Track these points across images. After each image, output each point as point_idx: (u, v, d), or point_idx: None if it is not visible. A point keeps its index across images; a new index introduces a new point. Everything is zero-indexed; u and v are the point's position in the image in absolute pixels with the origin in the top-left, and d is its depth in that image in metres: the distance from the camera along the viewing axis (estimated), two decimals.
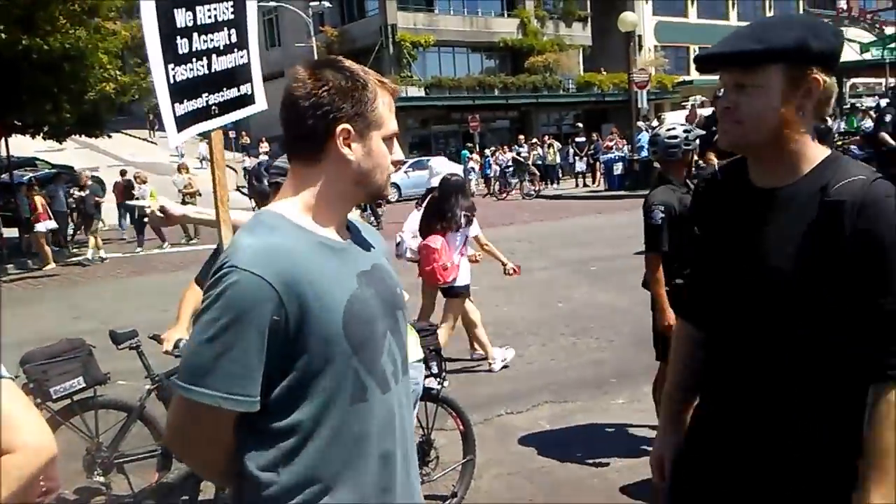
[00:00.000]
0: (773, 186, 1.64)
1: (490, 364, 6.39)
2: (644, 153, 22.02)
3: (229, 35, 2.63)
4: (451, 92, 36.10)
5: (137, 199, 15.53)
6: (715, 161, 7.39)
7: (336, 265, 1.46)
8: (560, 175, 28.13)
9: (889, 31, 27.70)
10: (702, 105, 27.34)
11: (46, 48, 14.25)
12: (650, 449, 4.48)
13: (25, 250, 16.05)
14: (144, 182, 17.59)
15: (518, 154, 26.21)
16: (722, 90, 1.66)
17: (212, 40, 2.59)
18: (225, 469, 1.48)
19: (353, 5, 37.49)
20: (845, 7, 34.36)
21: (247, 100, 2.79)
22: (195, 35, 2.51)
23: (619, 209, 17.07)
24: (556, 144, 28.72)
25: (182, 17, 2.45)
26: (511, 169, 26.18)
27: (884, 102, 10.80)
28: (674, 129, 4.33)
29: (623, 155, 23.12)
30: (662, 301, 4.04)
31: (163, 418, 4.11)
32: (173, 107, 2.45)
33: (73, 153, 27.91)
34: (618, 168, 22.38)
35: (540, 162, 27.36)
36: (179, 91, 2.48)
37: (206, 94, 2.60)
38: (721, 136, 1.68)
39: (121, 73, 17.04)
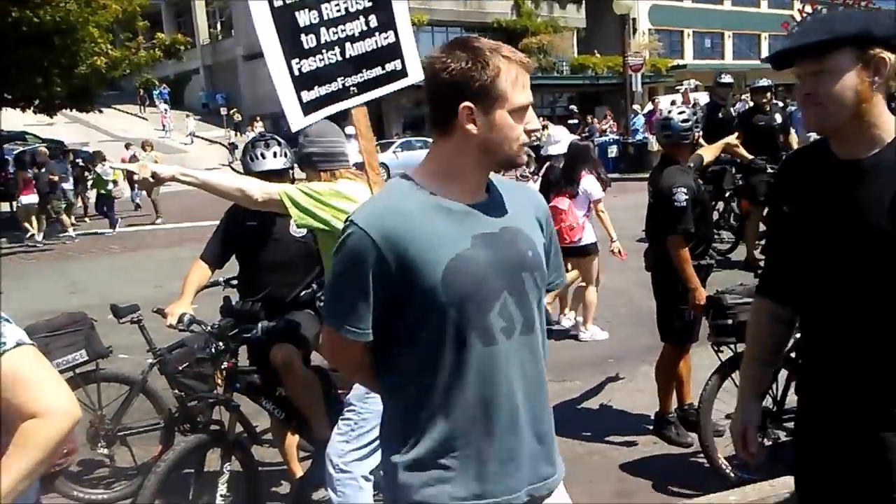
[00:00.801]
0: (857, 158, 1.79)
1: (581, 332, 6.53)
2: (639, 136, 22.06)
3: (366, 21, 2.94)
4: None
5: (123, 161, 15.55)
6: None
7: (449, 225, 1.62)
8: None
9: None
10: (695, 89, 27.36)
11: (37, 21, 14.11)
12: (650, 427, 4.57)
13: (20, 224, 15.93)
14: (152, 150, 17.83)
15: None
16: (798, 80, 1.82)
17: (343, 31, 2.94)
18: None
19: None
20: None
21: (396, 75, 3.03)
22: (322, 30, 2.90)
23: (613, 192, 17.07)
24: (550, 126, 28.65)
25: (305, 17, 2.86)
26: None
27: None
28: (683, 112, 4.35)
29: (617, 138, 23.09)
30: (694, 280, 4.07)
31: (164, 392, 4.14)
32: (299, 94, 2.85)
33: (64, 127, 27.67)
34: (612, 151, 22.37)
35: (535, 144, 27.30)
36: (306, 80, 2.88)
37: (342, 78, 2.95)
38: (807, 119, 1.86)
39: (112, 48, 16.87)
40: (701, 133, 8.22)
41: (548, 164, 7.01)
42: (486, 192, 1.72)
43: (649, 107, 23.35)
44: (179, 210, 17.17)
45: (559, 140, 7.03)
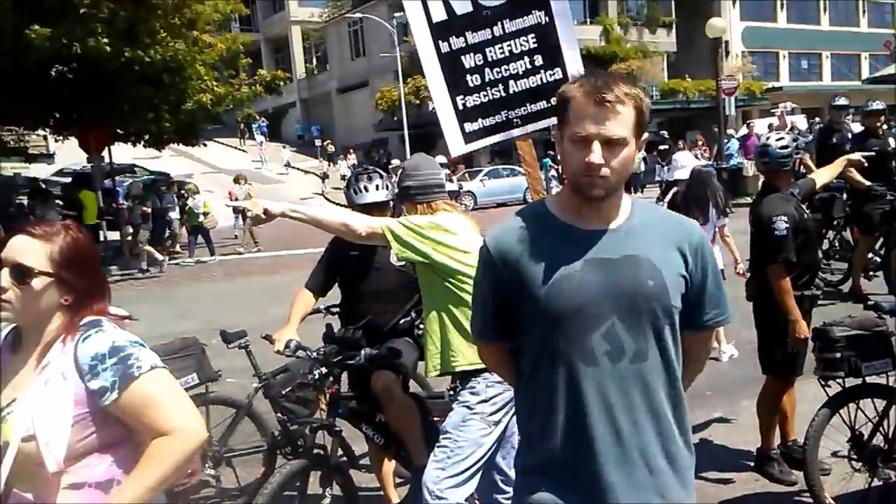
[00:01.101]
0: None
1: (720, 354, 6.40)
2: (733, 161, 21.45)
3: (531, 61, 3.31)
4: None
5: (236, 199, 16.07)
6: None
7: (564, 248, 1.73)
8: (642, 183, 27.62)
9: None
10: (792, 112, 26.47)
11: (148, 60, 14.94)
12: (751, 464, 4.44)
13: (128, 252, 16.78)
14: (245, 182, 18.56)
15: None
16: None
17: (506, 70, 3.33)
18: None
19: None
20: None
21: None
22: (486, 70, 3.32)
23: None
24: (640, 153, 28.14)
25: (471, 60, 3.28)
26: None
27: None
28: (783, 138, 4.27)
29: (710, 163, 22.53)
30: (795, 311, 3.97)
31: (268, 415, 4.30)
32: (462, 126, 3.29)
33: (170, 160, 29.08)
34: None
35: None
36: (469, 113, 3.32)
37: (505, 112, 3.36)
38: None
39: (217, 84, 17.70)
40: (815, 158, 7.96)
41: (674, 189, 6.99)
42: (625, 218, 1.77)
43: (744, 130, 22.71)
44: (275, 239, 17.76)
45: (684, 165, 7.03)
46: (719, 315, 1.84)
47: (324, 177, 33.43)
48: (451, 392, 3.90)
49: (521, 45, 3.27)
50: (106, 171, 18.16)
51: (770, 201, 4.10)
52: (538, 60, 3.31)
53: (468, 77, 3.30)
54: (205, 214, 17.29)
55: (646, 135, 1.77)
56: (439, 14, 3.29)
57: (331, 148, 38.58)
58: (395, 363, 3.62)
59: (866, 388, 3.65)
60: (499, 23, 3.29)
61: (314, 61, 46.71)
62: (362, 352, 3.54)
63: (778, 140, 4.25)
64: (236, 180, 19.20)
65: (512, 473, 3.26)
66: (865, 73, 41.49)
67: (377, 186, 3.75)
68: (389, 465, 3.98)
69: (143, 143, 18.70)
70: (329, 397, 3.54)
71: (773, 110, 28.10)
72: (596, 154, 1.65)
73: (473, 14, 3.29)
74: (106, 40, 13.94)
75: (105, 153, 17.69)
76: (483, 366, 3.00)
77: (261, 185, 25.04)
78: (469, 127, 3.37)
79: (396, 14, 32.56)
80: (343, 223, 2.96)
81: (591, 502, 1.70)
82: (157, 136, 18.23)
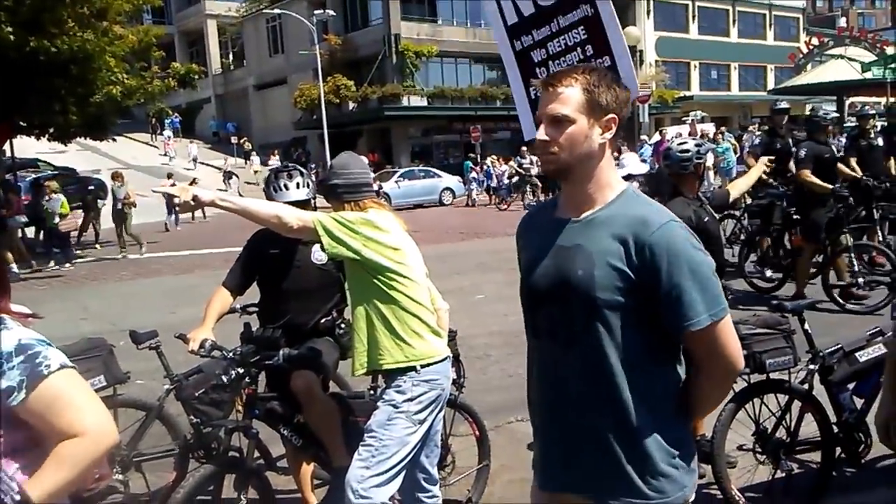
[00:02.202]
0: None
1: None
2: (646, 167, 22.11)
3: (583, 51, 3.62)
4: (454, 102, 36.22)
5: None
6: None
7: (550, 235, 1.89)
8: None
9: (889, 50, 27.80)
10: (701, 120, 27.50)
11: (54, 50, 14.33)
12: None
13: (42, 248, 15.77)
14: (122, 182, 16.92)
15: (520, 165, 26.30)
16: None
17: (565, 61, 3.69)
18: None
19: (356, 14, 37.62)
20: (845, 26, 34.59)
21: None
22: (549, 63, 3.73)
23: None
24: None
25: (538, 55, 3.77)
26: (512, 180, 26.27)
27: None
28: (685, 143, 4.42)
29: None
30: None
31: (180, 417, 4.16)
32: (534, 112, 3.48)
33: (76, 155, 27.95)
34: None
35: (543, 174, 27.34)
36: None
37: None
38: None
39: (127, 77, 17.11)
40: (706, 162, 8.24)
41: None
42: (597, 209, 1.86)
43: (656, 137, 23.46)
44: (186, 239, 17.29)
45: (626, 164, 7.23)
46: (685, 319, 1.73)
47: (227, 175, 32.32)
48: (373, 391, 3.87)
49: (574, 37, 3.63)
50: (7, 164, 17.29)
51: (671, 204, 4.25)
52: (589, 50, 3.63)
53: (536, 70, 3.75)
54: (62, 216, 15.63)
55: (610, 115, 1.84)
56: (511, 17, 3.85)
57: (247, 146, 37.84)
58: (315, 363, 3.57)
59: (770, 384, 3.81)
60: (555, 19, 3.70)
61: (230, 56, 45.69)
62: (281, 352, 3.47)
63: (680, 144, 4.41)
64: (113, 177, 17.27)
65: (435, 472, 3.27)
66: (771, 84, 43.53)
67: (297, 185, 3.70)
68: (308, 468, 3.92)
69: (47, 136, 17.88)
70: (246, 398, 3.45)
71: (683, 118, 29.14)
72: (540, 131, 1.83)
73: (535, 14, 3.75)
74: (10, 29, 13.31)
75: (6, 146, 16.83)
76: (410, 364, 3.00)
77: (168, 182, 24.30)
78: None
79: (316, 11, 32.22)
80: (275, 214, 2.90)
81: (540, 465, 2.02)
82: (63, 130, 17.48)
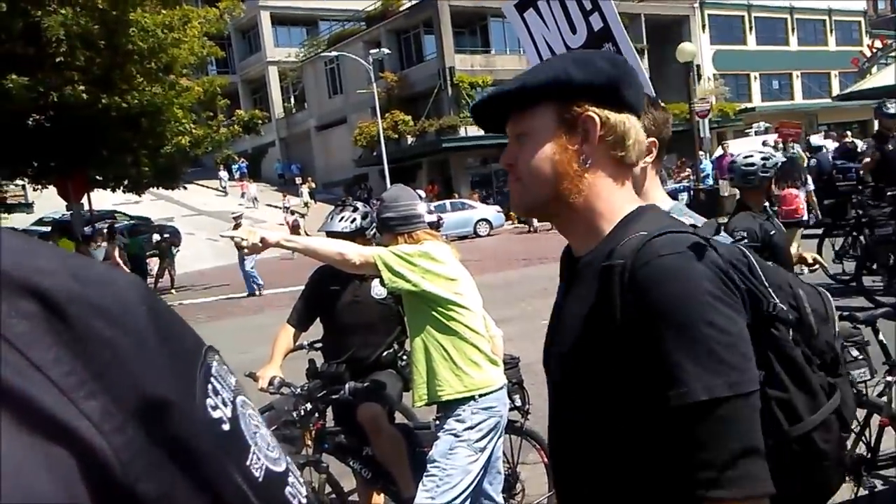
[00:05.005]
0: (577, 255, 1.34)
1: None
2: (709, 181, 21.73)
3: None
4: None
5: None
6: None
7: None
8: None
9: None
10: (765, 131, 26.87)
11: (125, 105, 15.02)
12: None
13: None
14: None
15: None
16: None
17: None
18: None
19: (411, 51, 38.32)
20: None
21: None
22: None
23: None
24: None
25: None
26: None
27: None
28: (751, 156, 4.36)
29: (688, 185, 22.84)
30: None
31: None
32: None
33: (150, 204, 29.05)
34: (683, 198, 22.11)
35: None
36: None
37: None
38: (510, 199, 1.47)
39: (195, 126, 17.79)
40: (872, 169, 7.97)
41: None
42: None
43: (719, 151, 23.05)
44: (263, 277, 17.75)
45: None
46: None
47: (285, 209, 33.30)
48: (437, 421, 3.91)
49: None
50: (86, 218, 18.12)
51: (737, 218, 4.19)
52: None
53: None
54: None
55: (650, 139, 1.56)
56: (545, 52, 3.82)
57: (312, 185, 38.70)
58: (380, 395, 3.63)
59: None
60: None
61: (292, 100, 46.98)
62: (346, 385, 3.55)
63: (745, 157, 4.34)
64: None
65: (499, 499, 3.28)
66: (836, 91, 42.31)
67: (342, 218, 3.79)
68: (378, 499, 3.97)
69: (122, 188, 18.72)
70: (315, 433, 3.54)
71: (747, 130, 28.54)
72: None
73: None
74: (83, 87, 14.02)
75: (84, 200, 17.66)
76: (469, 394, 3.03)
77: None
78: None
79: (372, 51, 32.93)
80: (338, 252, 2.99)
81: None
82: (136, 181, 18.28)
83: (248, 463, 0.56)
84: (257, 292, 16.19)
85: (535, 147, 1.29)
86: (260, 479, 0.57)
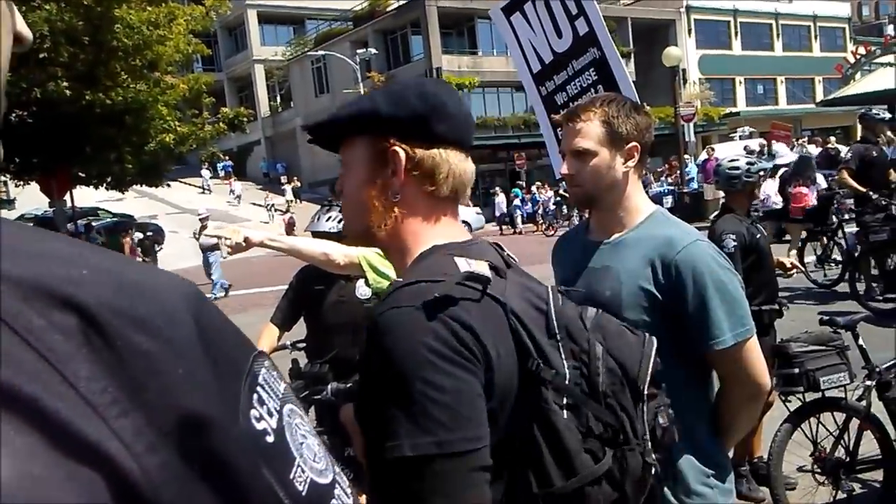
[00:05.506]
0: None
1: None
2: (693, 185, 21.87)
3: (596, 90, 3.78)
4: (497, 131, 36.43)
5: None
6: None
7: (581, 257, 1.94)
8: None
9: None
10: (750, 136, 27.08)
11: (109, 102, 14.90)
12: None
13: None
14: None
15: (565, 190, 26.24)
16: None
17: (581, 100, 4.00)
18: None
19: (398, 51, 38.30)
20: (893, 34, 33.80)
21: None
22: (570, 104, 4.25)
23: None
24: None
25: (560, 98, 3.98)
26: (556, 206, 26.20)
27: None
28: (735, 160, 4.38)
29: (672, 188, 22.97)
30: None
31: None
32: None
33: (133, 202, 28.88)
34: (667, 201, 22.21)
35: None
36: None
37: None
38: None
39: (179, 124, 17.68)
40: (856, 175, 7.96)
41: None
42: (626, 231, 1.87)
43: (704, 156, 23.21)
44: (242, 277, 17.66)
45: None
46: (710, 338, 1.72)
47: (269, 206, 33.60)
48: None
49: (587, 78, 3.85)
50: (69, 215, 17.97)
51: (723, 221, 4.21)
52: (601, 90, 3.80)
53: (560, 111, 4.00)
54: None
55: (632, 144, 1.89)
56: (535, 65, 4.08)
57: (297, 184, 38.58)
58: None
59: (826, 403, 3.73)
60: (570, 63, 3.92)
61: (278, 99, 46.85)
62: (329, 386, 3.54)
63: (730, 161, 4.38)
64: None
65: None
66: (820, 96, 42.69)
67: (329, 218, 3.81)
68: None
69: (105, 185, 18.55)
70: None
71: (731, 135, 28.74)
72: (564, 166, 1.90)
73: (554, 60, 4.00)
74: (66, 84, 13.89)
75: (67, 197, 17.51)
76: None
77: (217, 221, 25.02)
78: None
79: (359, 51, 32.90)
80: (323, 252, 3.00)
81: None
82: (119, 178, 18.11)
83: (291, 476, 0.54)
84: (222, 294, 16.14)
85: (352, 178, 1.30)
86: (304, 493, 0.55)
